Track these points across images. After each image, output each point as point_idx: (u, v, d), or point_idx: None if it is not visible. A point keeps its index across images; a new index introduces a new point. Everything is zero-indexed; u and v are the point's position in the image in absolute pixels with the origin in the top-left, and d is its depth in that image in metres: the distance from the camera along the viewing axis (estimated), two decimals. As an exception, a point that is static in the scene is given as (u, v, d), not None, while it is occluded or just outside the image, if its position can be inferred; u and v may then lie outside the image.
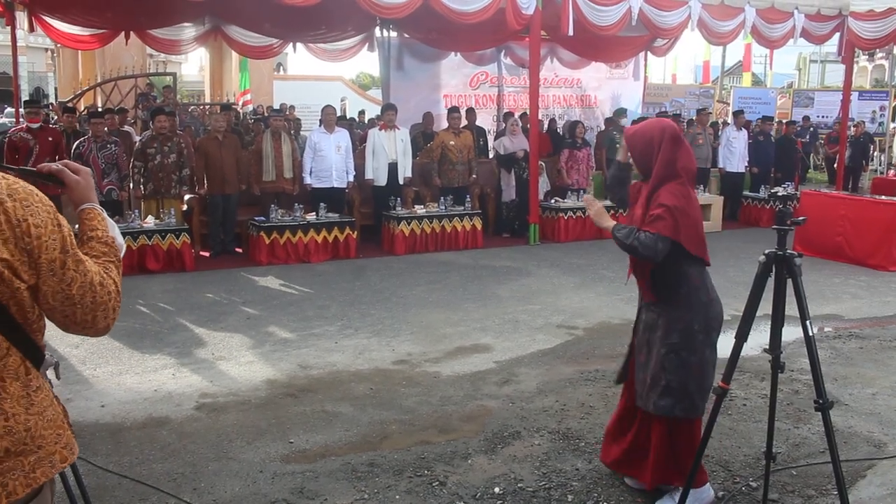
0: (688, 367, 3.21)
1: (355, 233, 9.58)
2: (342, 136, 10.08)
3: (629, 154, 3.40)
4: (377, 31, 13.13)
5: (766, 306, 2.99)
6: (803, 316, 2.90)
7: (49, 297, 1.70)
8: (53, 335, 6.12)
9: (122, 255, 1.97)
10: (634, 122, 13.40)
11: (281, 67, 31.03)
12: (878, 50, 26.25)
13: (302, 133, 14.40)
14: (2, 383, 1.67)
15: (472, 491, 3.61)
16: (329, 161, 9.83)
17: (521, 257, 9.65)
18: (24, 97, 14.27)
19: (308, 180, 9.88)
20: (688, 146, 3.35)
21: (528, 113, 11.67)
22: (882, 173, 18.23)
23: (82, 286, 1.73)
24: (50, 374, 1.88)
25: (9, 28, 10.54)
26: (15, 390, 1.69)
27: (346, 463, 3.91)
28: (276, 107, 18.00)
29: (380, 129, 10.35)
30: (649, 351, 3.33)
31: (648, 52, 15.12)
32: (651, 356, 3.31)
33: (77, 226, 1.94)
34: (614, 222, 3.33)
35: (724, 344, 3.33)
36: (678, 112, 17.01)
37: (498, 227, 11.26)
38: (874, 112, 20.60)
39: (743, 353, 3.11)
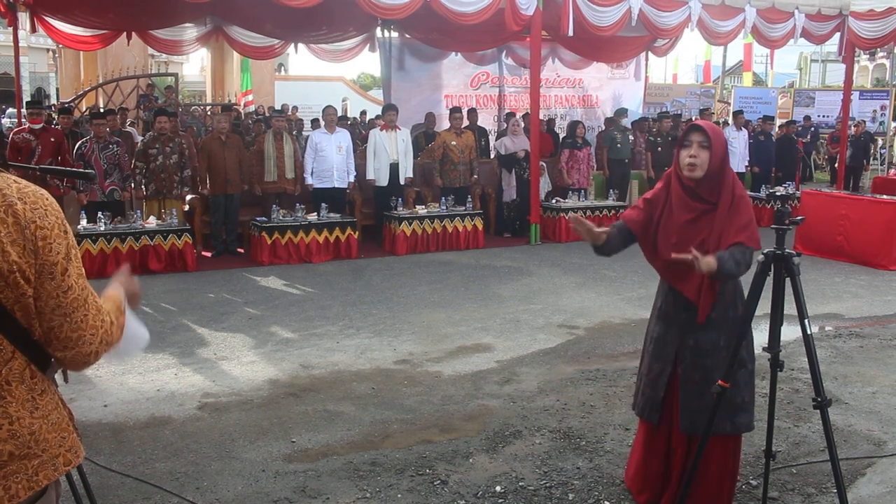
0: (752, 378, 3.22)
1: (356, 233, 9.59)
2: (343, 137, 10.11)
3: (703, 152, 3.07)
4: (378, 31, 13.15)
5: (765, 305, 3.00)
6: (802, 315, 2.91)
7: (41, 300, 1.67)
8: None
9: (139, 346, 1.97)
10: (635, 122, 13.42)
11: (282, 68, 31.07)
12: (878, 49, 26.24)
13: (303, 133, 14.43)
14: (7, 387, 1.66)
15: (473, 490, 3.63)
16: (330, 161, 9.85)
17: (522, 257, 9.67)
18: (26, 98, 14.30)
19: (309, 180, 9.91)
20: None
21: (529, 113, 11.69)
22: (882, 173, 18.24)
23: (77, 299, 1.70)
24: (57, 376, 1.89)
25: (11, 29, 10.55)
26: (20, 394, 1.68)
27: (348, 462, 3.93)
28: (278, 107, 18.03)
29: (381, 130, 10.36)
30: (714, 373, 3.09)
31: (649, 53, 15.14)
32: (720, 377, 3.04)
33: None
34: (714, 258, 2.92)
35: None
36: (679, 112, 17.03)
37: (499, 227, 11.28)
38: (875, 111, 20.61)
39: (742, 351, 3.12)
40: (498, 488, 3.64)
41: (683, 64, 35.61)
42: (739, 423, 3.19)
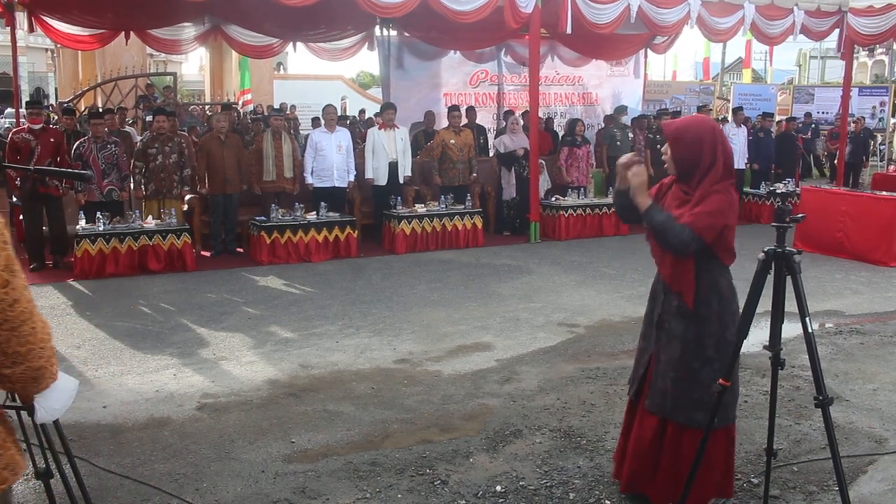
0: (718, 377, 3.16)
1: (356, 232, 9.58)
2: (343, 136, 10.09)
3: (668, 150, 3.20)
4: (377, 29, 13.12)
5: (766, 303, 2.99)
6: (803, 313, 2.90)
7: None
8: (55, 336, 6.12)
9: (71, 396, 1.87)
10: (634, 119, 13.42)
11: (281, 66, 31.05)
12: (877, 45, 26.22)
13: (301, 132, 14.41)
14: None
15: (473, 489, 3.62)
16: (330, 160, 9.83)
17: (522, 255, 9.65)
18: (25, 98, 14.28)
19: (309, 180, 9.89)
20: (730, 147, 3.26)
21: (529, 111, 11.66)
22: (882, 169, 18.23)
23: (24, 312, 1.63)
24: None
25: (9, 28, 10.54)
26: None
27: (347, 462, 3.91)
28: (277, 106, 18.01)
29: (379, 129, 10.34)
30: (675, 361, 3.22)
31: (648, 50, 15.12)
32: (679, 367, 3.21)
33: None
34: (651, 201, 3.11)
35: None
36: (678, 109, 17.01)
37: (498, 225, 11.26)
38: (874, 108, 20.59)
39: (743, 349, 3.11)
40: (498, 488, 3.63)
41: (683, 61, 35.65)
42: (695, 419, 3.19)
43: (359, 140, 12.32)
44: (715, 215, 3.04)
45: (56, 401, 1.84)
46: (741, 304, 3.07)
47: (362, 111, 20.15)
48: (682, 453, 3.27)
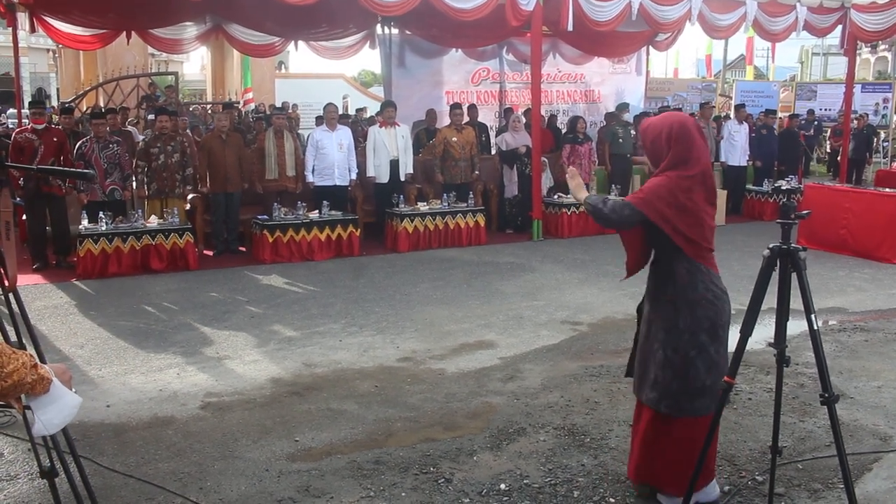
0: (672, 365, 3.20)
1: (358, 230, 9.57)
2: (344, 134, 10.07)
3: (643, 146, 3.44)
4: (378, 28, 13.12)
5: (770, 300, 2.97)
6: (808, 310, 2.89)
7: None
8: (59, 335, 6.14)
9: (71, 411, 1.84)
10: (636, 116, 13.40)
11: (282, 65, 31.03)
12: (880, 42, 26.17)
13: (301, 131, 14.40)
14: None
15: (477, 488, 3.62)
16: (331, 159, 9.82)
17: (525, 253, 9.64)
18: (27, 98, 14.29)
19: (310, 178, 9.88)
20: (699, 141, 3.23)
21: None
22: (885, 166, 18.20)
23: None
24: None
25: (10, 29, 10.54)
26: None
27: (351, 461, 3.91)
28: (278, 105, 17.99)
29: (379, 127, 10.34)
30: (642, 343, 3.39)
31: (650, 47, 15.10)
32: (641, 349, 3.39)
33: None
34: (588, 194, 3.40)
35: (729, 338, 3.31)
36: (680, 107, 17.00)
37: (501, 223, 11.25)
38: (877, 104, 20.55)
39: (748, 347, 3.09)
40: (502, 486, 3.63)
41: (685, 58, 35.65)
42: (649, 398, 3.30)
43: (360, 139, 12.32)
44: (649, 190, 3.19)
45: (55, 416, 1.83)
46: (745, 301, 3.06)
47: (359, 109, 20.08)
48: (648, 435, 3.36)
